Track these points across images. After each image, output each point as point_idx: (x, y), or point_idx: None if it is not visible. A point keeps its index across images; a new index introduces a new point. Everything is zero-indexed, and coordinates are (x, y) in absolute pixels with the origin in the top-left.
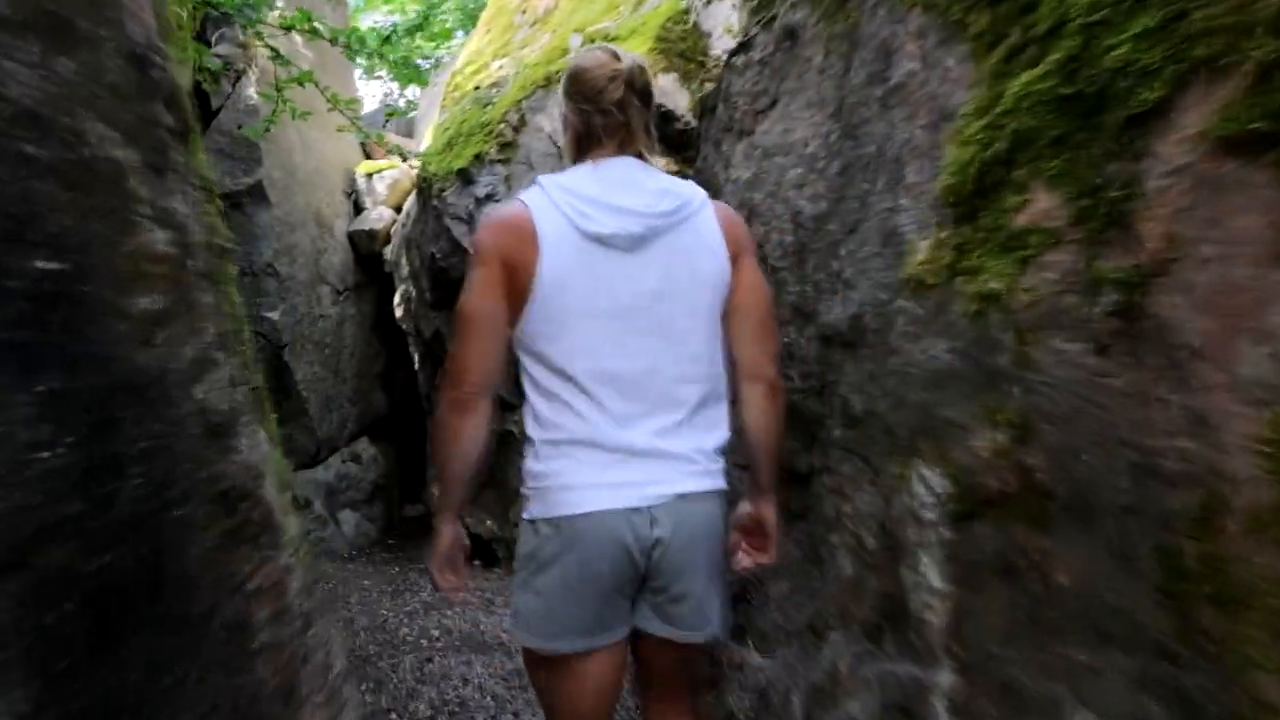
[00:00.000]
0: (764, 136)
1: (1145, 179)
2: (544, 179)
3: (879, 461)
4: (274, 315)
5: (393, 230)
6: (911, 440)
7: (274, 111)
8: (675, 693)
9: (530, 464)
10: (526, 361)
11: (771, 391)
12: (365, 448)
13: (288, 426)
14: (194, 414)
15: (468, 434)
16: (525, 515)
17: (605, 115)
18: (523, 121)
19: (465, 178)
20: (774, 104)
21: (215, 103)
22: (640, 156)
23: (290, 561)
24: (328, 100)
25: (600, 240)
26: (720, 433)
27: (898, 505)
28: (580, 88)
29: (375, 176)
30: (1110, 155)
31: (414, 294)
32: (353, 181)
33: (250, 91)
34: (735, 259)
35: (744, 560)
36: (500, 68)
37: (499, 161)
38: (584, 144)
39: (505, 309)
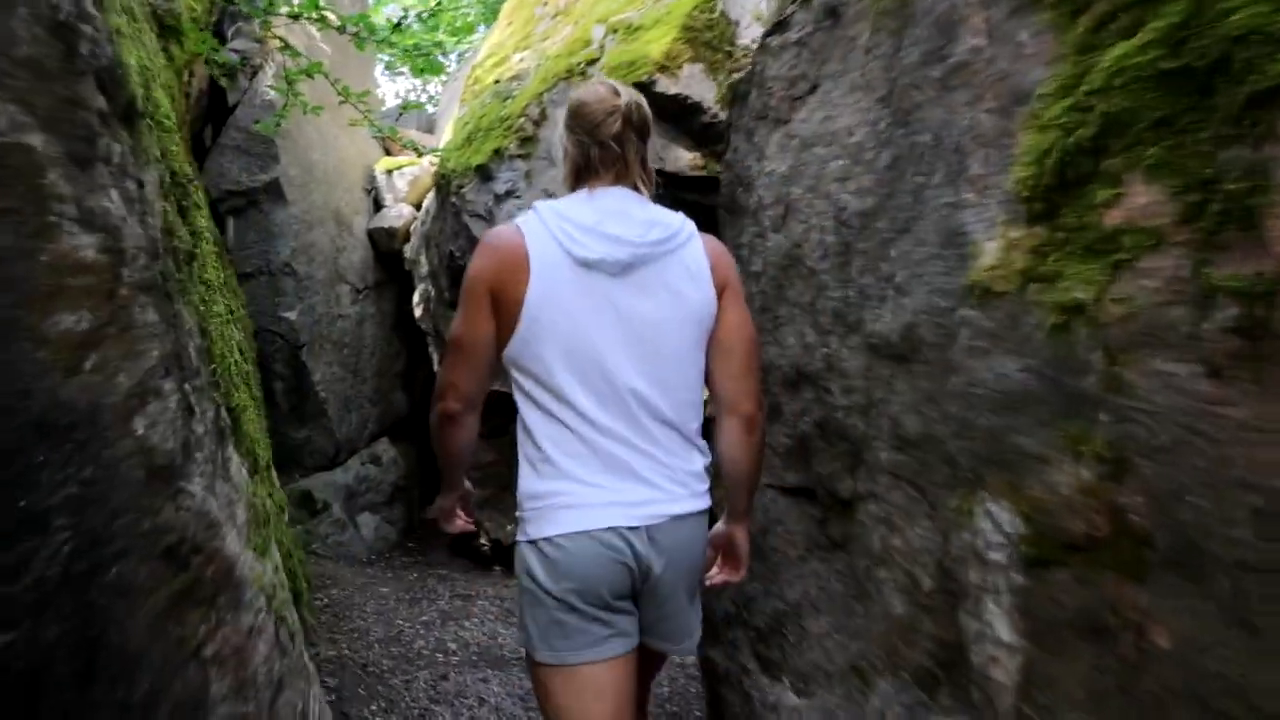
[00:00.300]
0: (802, 125)
1: (1275, 168)
2: (540, 205)
3: (936, 492)
4: (291, 315)
5: (413, 228)
6: (976, 470)
7: (285, 105)
8: (641, 690)
9: (528, 484)
10: (518, 378)
11: (749, 425)
12: (385, 449)
13: (306, 428)
14: (133, 454)
15: (458, 441)
16: (523, 537)
17: (603, 148)
18: (543, 115)
19: (484, 174)
20: (814, 89)
21: (232, 99)
22: (635, 188)
23: (257, 620)
24: (338, 93)
25: (588, 265)
26: (703, 454)
27: (958, 543)
28: (580, 120)
29: (395, 173)
30: (1227, 140)
31: (433, 293)
32: (372, 178)
33: (267, 86)
34: (721, 293)
35: (716, 576)
36: (521, 60)
37: (519, 156)
38: (581, 174)
39: (493, 333)
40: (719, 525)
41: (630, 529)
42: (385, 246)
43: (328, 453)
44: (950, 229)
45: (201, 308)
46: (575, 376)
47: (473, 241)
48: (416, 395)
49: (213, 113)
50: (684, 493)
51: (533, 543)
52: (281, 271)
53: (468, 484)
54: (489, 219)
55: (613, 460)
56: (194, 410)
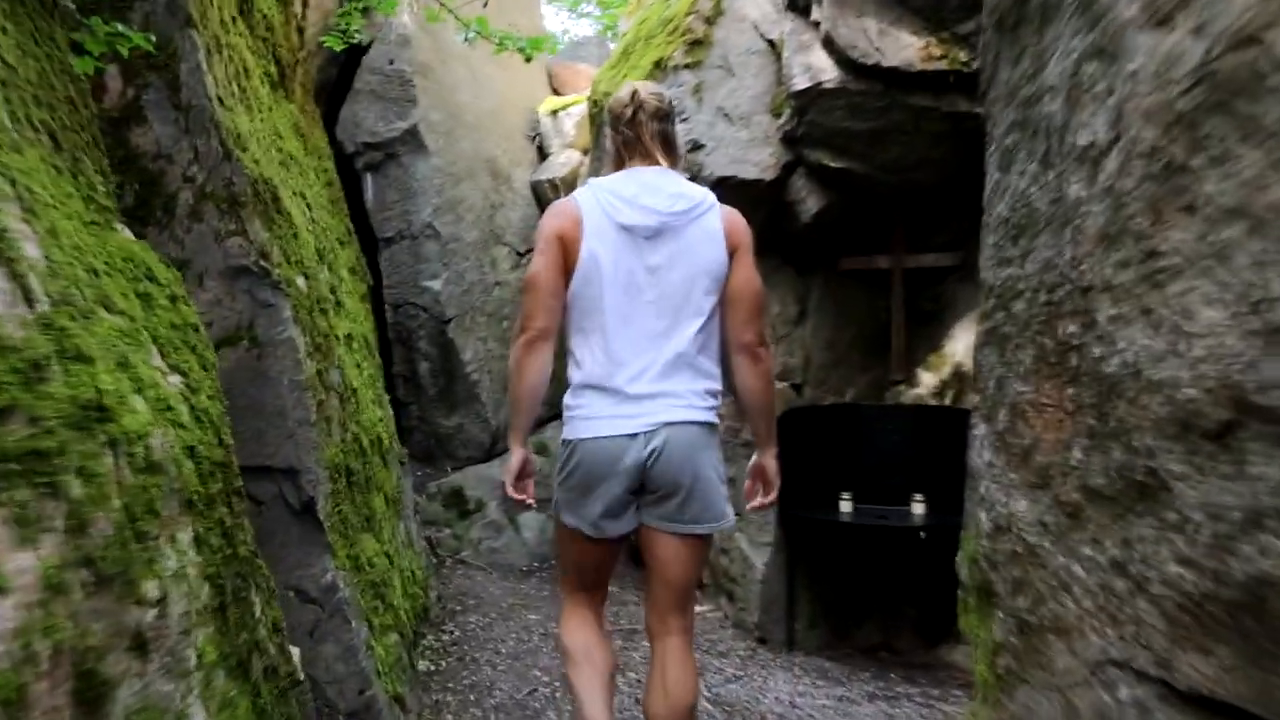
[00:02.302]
0: None
1: None
2: (592, 181)
3: None
4: (435, 285)
5: (579, 176)
6: None
7: None
8: (676, 597)
9: (568, 398)
10: (572, 313)
11: (753, 356)
12: (553, 435)
13: (457, 414)
14: None
15: (534, 368)
16: (563, 436)
17: (628, 129)
18: (718, 10)
19: None
20: None
21: (365, 38)
22: (664, 166)
23: None
24: None
25: (626, 229)
26: (707, 380)
27: None
28: (610, 118)
29: (562, 113)
30: None
31: None
32: (535, 123)
33: (405, 18)
34: (733, 254)
35: (755, 501)
36: None
37: (686, 67)
38: (620, 157)
39: (562, 276)
40: (754, 457)
41: (631, 435)
42: (550, 201)
43: (482, 442)
44: None
45: None
46: (609, 316)
47: None
48: None
49: (347, 57)
50: (680, 404)
51: (567, 442)
52: (423, 234)
53: (531, 453)
54: None
55: (626, 384)
56: None
